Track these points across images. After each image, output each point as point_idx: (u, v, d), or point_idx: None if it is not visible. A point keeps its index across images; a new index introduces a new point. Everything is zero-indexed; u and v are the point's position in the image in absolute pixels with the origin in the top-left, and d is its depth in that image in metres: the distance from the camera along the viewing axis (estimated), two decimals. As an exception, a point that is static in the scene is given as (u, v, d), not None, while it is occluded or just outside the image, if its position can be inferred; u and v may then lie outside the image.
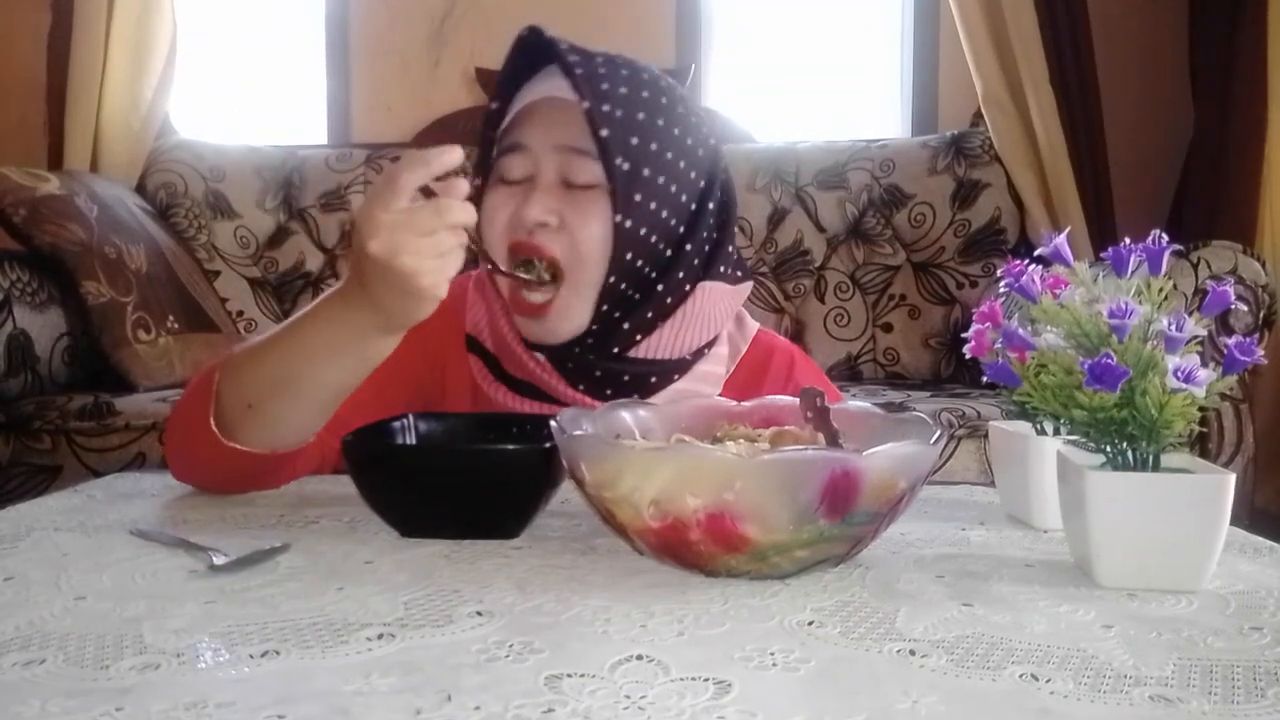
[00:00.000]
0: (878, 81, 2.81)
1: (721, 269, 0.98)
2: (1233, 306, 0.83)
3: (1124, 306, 0.62)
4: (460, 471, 0.73)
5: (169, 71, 2.58)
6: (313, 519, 0.78)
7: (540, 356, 0.96)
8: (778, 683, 0.47)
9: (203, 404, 0.84)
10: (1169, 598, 0.60)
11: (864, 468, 0.59)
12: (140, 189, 2.46)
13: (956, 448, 1.75)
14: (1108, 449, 0.65)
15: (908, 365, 2.36)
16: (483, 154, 0.99)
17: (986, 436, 1.60)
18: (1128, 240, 0.66)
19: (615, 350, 0.96)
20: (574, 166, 0.92)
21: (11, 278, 1.92)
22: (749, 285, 1.02)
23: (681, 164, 0.94)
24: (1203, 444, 1.78)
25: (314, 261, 2.48)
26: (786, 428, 0.75)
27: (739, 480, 0.58)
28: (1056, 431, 0.76)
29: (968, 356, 0.77)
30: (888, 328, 2.38)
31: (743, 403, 0.81)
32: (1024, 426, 0.79)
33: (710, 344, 1.02)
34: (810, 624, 0.55)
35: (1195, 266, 1.78)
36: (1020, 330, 0.69)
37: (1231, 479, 0.61)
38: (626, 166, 0.90)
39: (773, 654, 0.50)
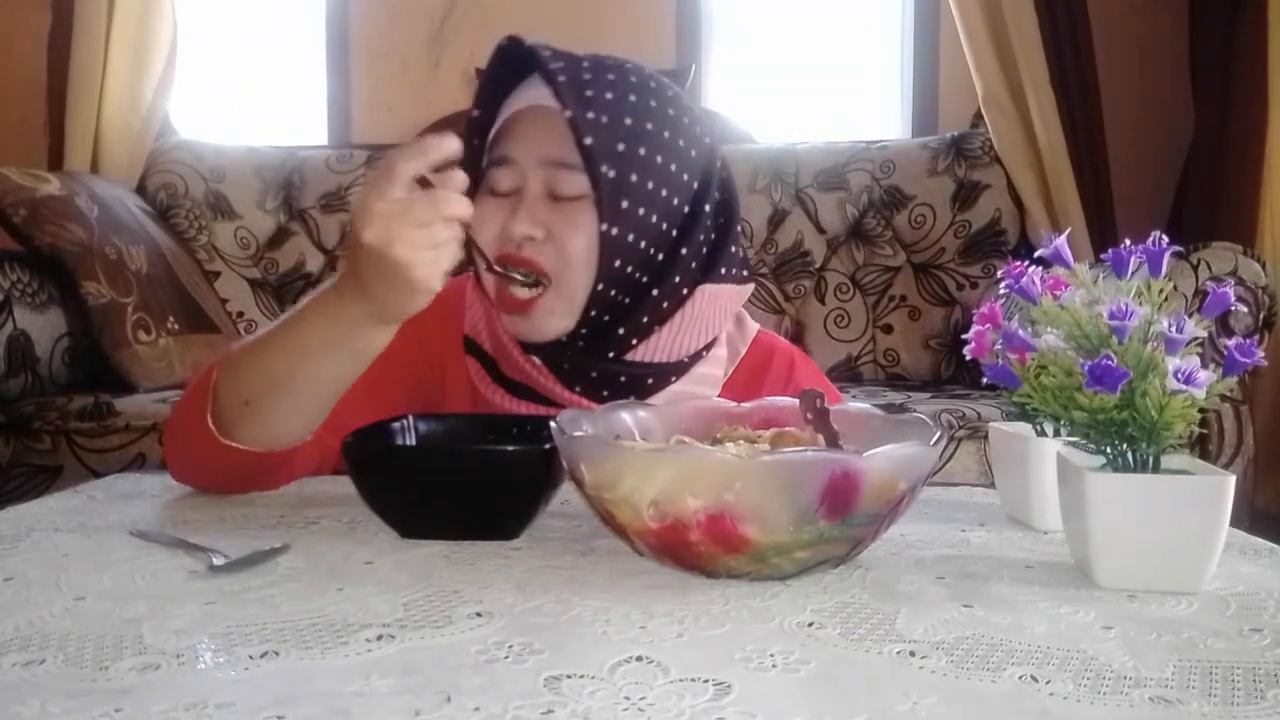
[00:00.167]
0: (878, 82, 2.81)
1: (723, 270, 0.97)
2: (1233, 308, 0.83)
3: (1124, 308, 0.62)
4: (460, 472, 0.73)
5: (169, 72, 2.58)
6: (312, 520, 0.78)
7: (536, 359, 0.95)
8: (777, 684, 0.47)
9: (200, 403, 0.84)
10: (1169, 599, 0.60)
11: (864, 469, 0.59)
12: (140, 190, 2.46)
13: (957, 449, 1.75)
14: (1108, 450, 0.65)
15: (908, 366, 2.36)
16: (467, 160, 0.98)
17: (986, 438, 1.60)
18: (1128, 241, 0.66)
19: (610, 354, 0.95)
20: (559, 180, 0.92)
21: (12, 278, 1.92)
22: (750, 287, 1.01)
23: (672, 167, 0.92)
24: (1203, 445, 1.78)
25: (314, 262, 2.48)
26: (786, 429, 0.75)
27: (739, 481, 0.58)
28: (1056, 433, 0.76)
29: (968, 358, 0.77)
30: (888, 329, 2.38)
31: (743, 404, 0.81)
32: (1024, 428, 0.79)
33: (709, 346, 1.01)
34: (810, 625, 0.55)
35: (1195, 268, 1.77)
36: (1020, 331, 0.69)
37: (1231, 480, 0.61)
38: (612, 174, 0.89)
39: (773, 655, 0.50)
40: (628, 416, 0.77)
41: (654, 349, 0.96)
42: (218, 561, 0.64)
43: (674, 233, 0.94)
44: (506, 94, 0.97)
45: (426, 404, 1.00)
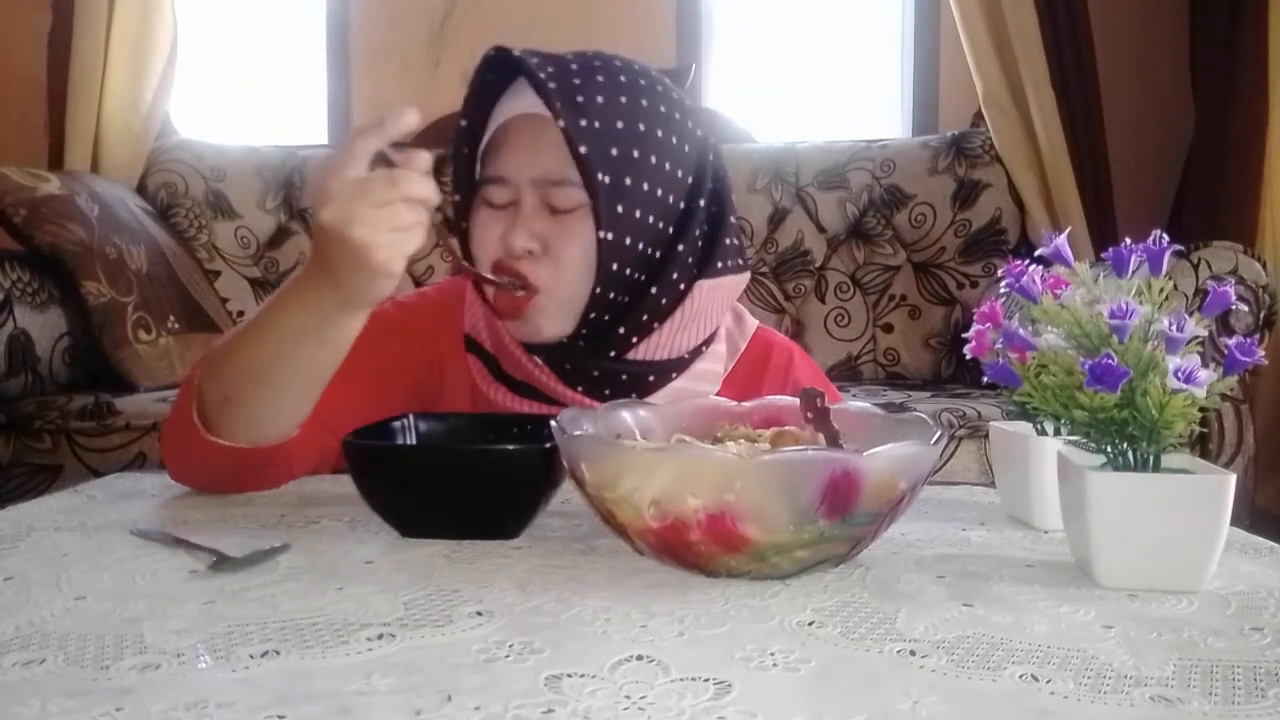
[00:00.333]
0: (878, 82, 2.81)
1: (719, 264, 0.96)
2: (1233, 307, 0.83)
3: (1125, 307, 0.62)
4: (460, 471, 0.73)
5: (169, 72, 2.58)
6: (313, 519, 0.78)
7: (538, 359, 0.95)
8: (778, 683, 0.47)
9: (186, 401, 0.85)
10: (1169, 598, 0.60)
11: (864, 468, 0.59)
12: (141, 189, 2.46)
13: (957, 448, 1.75)
14: (1108, 449, 0.65)
15: (908, 365, 2.35)
16: (456, 169, 0.98)
17: (987, 437, 1.60)
18: (1128, 240, 0.66)
19: (611, 353, 0.95)
20: (554, 195, 0.91)
21: (12, 278, 1.92)
22: (746, 276, 1.01)
23: (666, 166, 0.92)
24: (1203, 444, 1.78)
25: (314, 262, 2.48)
26: (787, 428, 0.75)
27: (739, 481, 0.58)
28: (1057, 432, 0.76)
29: (968, 357, 0.77)
30: (888, 328, 2.38)
31: (743, 403, 0.81)
32: (1024, 427, 0.79)
33: (708, 341, 1.01)
34: (810, 624, 0.55)
35: (1196, 267, 1.77)
36: (1021, 330, 0.69)
37: (1232, 479, 0.61)
38: (608, 180, 0.89)
39: (773, 654, 0.50)
40: (628, 416, 0.77)
41: (655, 347, 0.96)
42: (218, 561, 0.64)
43: (670, 230, 0.94)
44: (494, 98, 0.97)
45: (425, 403, 1.00)
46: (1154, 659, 0.50)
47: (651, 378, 0.97)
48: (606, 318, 0.94)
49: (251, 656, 0.49)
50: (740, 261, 0.99)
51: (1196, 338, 0.62)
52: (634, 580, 0.62)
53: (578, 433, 0.66)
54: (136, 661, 0.48)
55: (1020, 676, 0.48)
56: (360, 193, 0.73)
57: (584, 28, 2.56)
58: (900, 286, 2.39)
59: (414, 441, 0.83)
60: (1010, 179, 2.40)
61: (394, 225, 0.74)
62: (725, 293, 0.98)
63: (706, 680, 0.46)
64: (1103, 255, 0.67)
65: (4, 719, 0.42)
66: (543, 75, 0.89)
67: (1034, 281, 0.70)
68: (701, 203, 0.95)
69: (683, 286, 0.95)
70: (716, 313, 0.99)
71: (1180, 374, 0.60)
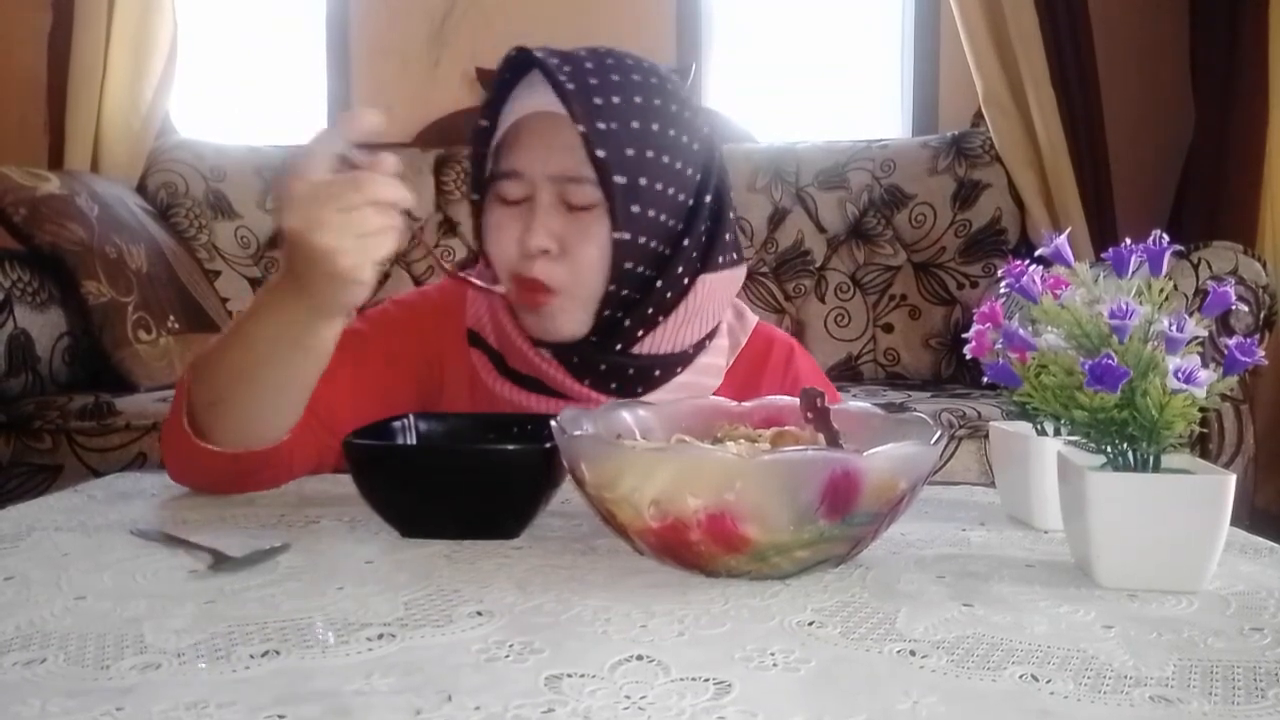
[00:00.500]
0: (878, 81, 2.81)
1: (720, 259, 0.98)
2: (1233, 307, 0.83)
3: (1125, 307, 0.62)
4: (460, 471, 0.73)
5: (169, 71, 2.58)
6: (313, 519, 0.78)
7: (545, 352, 0.96)
8: (778, 683, 0.47)
9: (179, 403, 0.85)
10: (1169, 598, 0.60)
11: (864, 468, 0.59)
12: (141, 189, 2.46)
13: (957, 448, 1.75)
14: (1108, 449, 0.65)
15: (908, 365, 2.35)
16: (475, 170, 0.98)
17: (987, 437, 1.60)
18: (1128, 240, 0.66)
19: (618, 347, 0.96)
20: (570, 192, 0.91)
21: (12, 277, 1.92)
22: (744, 269, 1.02)
23: (678, 165, 0.93)
24: (1203, 445, 1.78)
25: (314, 261, 2.48)
26: (787, 428, 0.75)
27: (739, 481, 0.58)
28: (1057, 432, 0.76)
29: (968, 357, 0.77)
30: (888, 328, 2.38)
31: (743, 403, 0.81)
32: (1024, 427, 0.79)
33: (711, 335, 1.02)
34: (810, 624, 0.55)
35: (1196, 267, 1.77)
36: (1021, 331, 0.69)
37: (1232, 479, 0.61)
38: (623, 181, 0.89)
39: (773, 654, 0.50)
40: (628, 415, 0.77)
41: (660, 340, 0.97)
42: (218, 561, 0.64)
43: (679, 227, 0.95)
44: (504, 93, 0.97)
45: (425, 400, 1.01)
46: (1154, 659, 0.50)
47: (657, 371, 0.97)
48: (618, 314, 0.95)
49: (252, 656, 0.49)
50: (736, 255, 1.00)
51: (1196, 338, 0.62)
52: (634, 580, 0.62)
53: (578, 433, 0.66)
54: (137, 661, 0.48)
55: (1020, 676, 0.48)
56: (323, 197, 0.71)
57: (584, 27, 2.56)
58: (900, 286, 2.39)
59: (414, 441, 0.83)
60: (1010, 179, 2.40)
61: (360, 231, 0.71)
62: (726, 286, 0.99)
63: (706, 680, 0.46)
64: (1103, 255, 0.67)
65: (4, 718, 0.42)
66: (562, 76, 0.89)
67: (1034, 281, 0.70)
68: (708, 199, 0.96)
69: (687, 281, 0.96)
70: (719, 306, 1.00)
71: (1180, 374, 0.60)
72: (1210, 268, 1.77)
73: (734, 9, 2.82)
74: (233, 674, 0.47)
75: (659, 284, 0.94)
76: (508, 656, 0.49)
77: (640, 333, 0.96)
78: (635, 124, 0.90)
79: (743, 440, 0.72)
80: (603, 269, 0.92)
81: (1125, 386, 0.61)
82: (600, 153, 0.88)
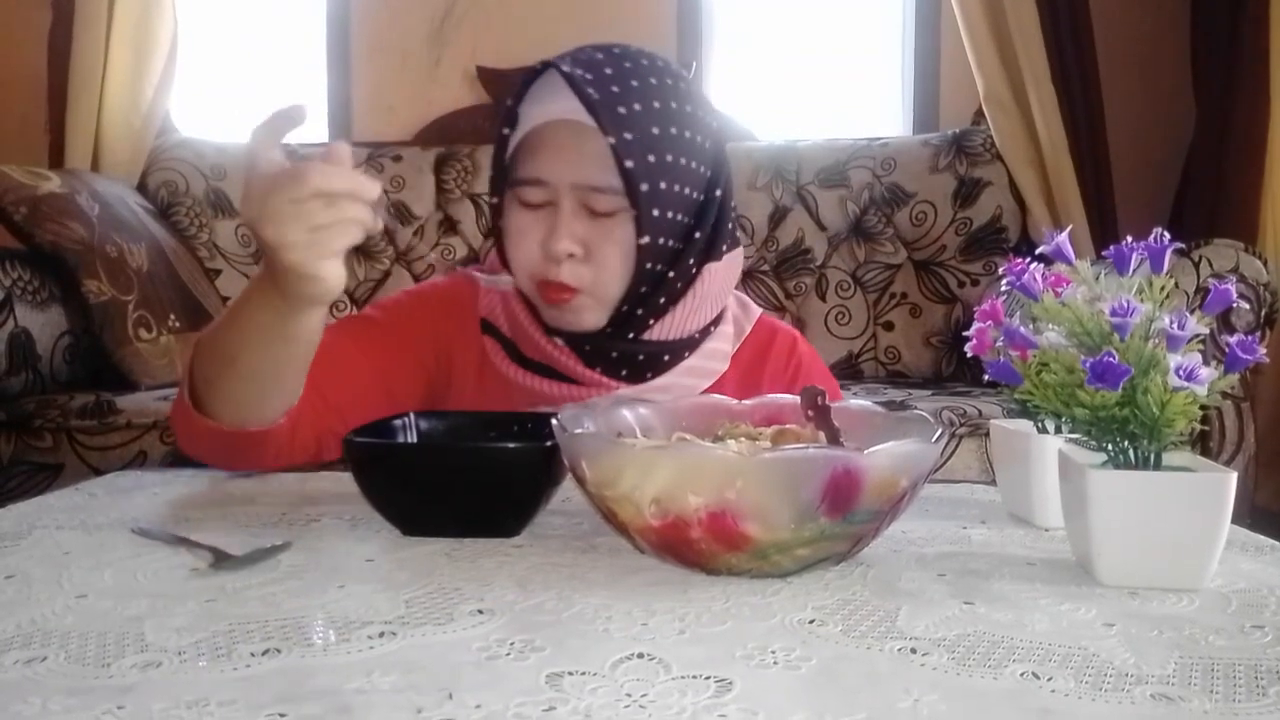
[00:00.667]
0: (879, 79, 2.81)
1: (723, 247, 1.01)
2: (1234, 305, 0.83)
3: (1126, 305, 0.61)
4: (461, 470, 0.73)
5: (170, 70, 2.58)
6: (314, 517, 0.78)
7: (558, 340, 0.98)
8: (779, 681, 0.47)
9: (183, 378, 0.89)
10: (1170, 596, 0.60)
11: (865, 466, 0.59)
12: (141, 187, 2.46)
13: (958, 446, 1.74)
14: (1109, 447, 0.65)
15: (909, 364, 2.35)
16: (497, 176, 0.99)
17: (988, 435, 1.60)
18: (1129, 238, 0.66)
19: (630, 335, 0.99)
20: (594, 199, 0.93)
21: (13, 276, 1.92)
22: (741, 251, 1.05)
23: (693, 164, 0.95)
24: (1204, 442, 1.78)
25: (315, 260, 2.48)
26: (788, 426, 0.75)
27: (740, 479, 0.58)
28: (1058, 430, 0.76)
29: (969, 355, 0.77)
30: (889, 326, 2.38)
31: (744, 401, 0.81)
32: (1025, 425, 0.79)
33: (716, 322, 1.05)
34: (811, 622, 0.55)
35: (1197, 264, 1.77)
36: (1022, 328, 0.69)
37: (1233, 477, 0.61)
38: (646, 187, 0.91)
39: (774, 652, 0.50)
40: (629, 413, 0.77)
41: (669, 328, 0.99)
42: (219, 559, 0.64)
43: (691, 222, 0.97)
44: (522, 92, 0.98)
45: (433, 389, 1.03)
46: (1155, 657, 0.50)
47: (666, 357, 1.00)
48: (631, 306, 0.97)
49: (252, 654, 0.49)
50: (735, 239, 1.04)
51: (1198, 335, 0.62)
52: (635, 578, 0.63)
53: (578, 431, 0.66)
54: (138, 659, 0.48)
55: (1021, 674, 0.48)
56: (270, 190, 0.71)
57: (584, 25, 2.55)
58: (901, 285, 2.39)
59: (415, 439, 0.83)
60: (1011, 177, 2.40)
61: (311, 224, 0.71)
62: (730, 272, 1.02)
63: (707, 678, 0.46)
64: (1104, 253, 0.66)
65: (5, 717, 0.42)
66: (589, 89, 0.90)
67: (1035, 279, 0.70)
68: (718, 194, 0.99)
69: (694, 270, 0.98)
70: (723, 292, 1.03)
71: (1181, 372, 0.60)
72: (1211, 265, 1.77)
73: (734, 7, 2.82)
74: (234, 672, 0.47)
75: (670, 275, 0.97)
76: (509, 655, 0.49)
77: (652, 320, 0.98)
78: (655, 130, 0.92)
79: (743, 438, 0.72)
80: (626, 271, 0.95)
81: (1126, 384, 0.61)
82: (629, 163, 0.90)
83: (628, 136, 0.90)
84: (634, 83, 0.93)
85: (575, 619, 0.55)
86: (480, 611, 0.56)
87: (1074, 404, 0.64)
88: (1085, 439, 0.66)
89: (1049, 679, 0.47)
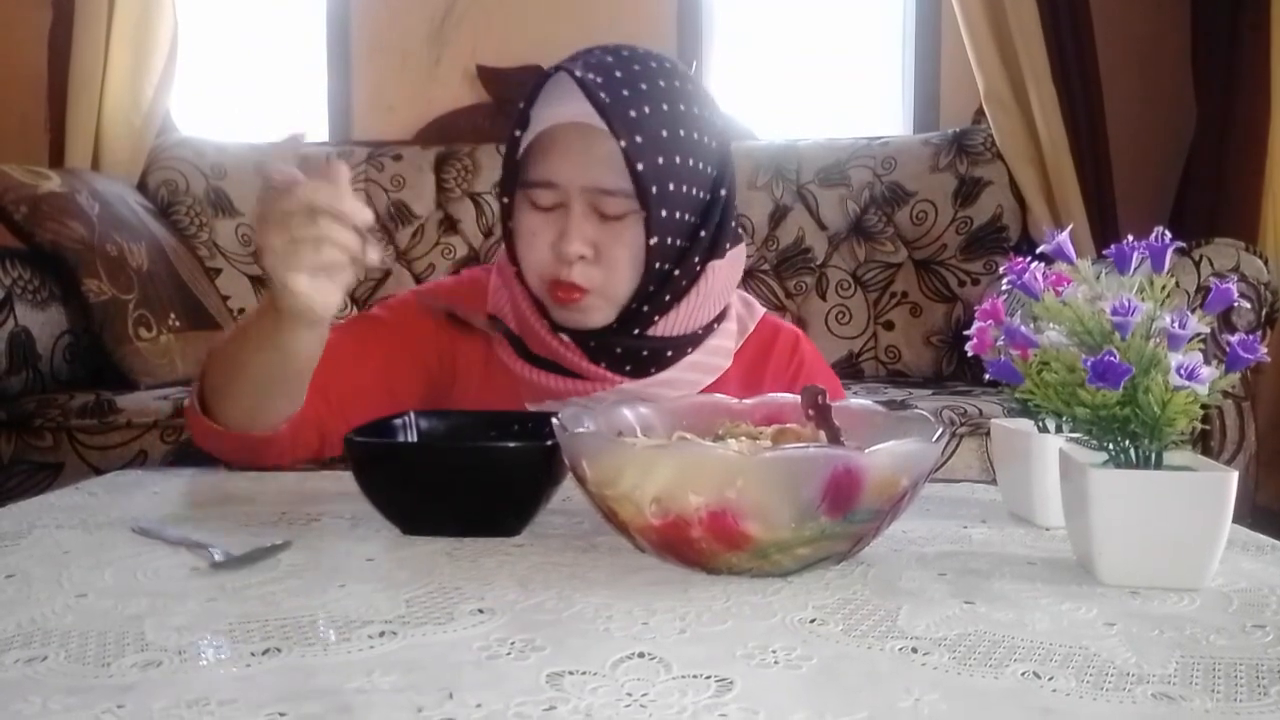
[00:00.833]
0: (879, 79, 2.81)
1: (727, 245, 1.02)
2: (1235, 304, 0.83)
3: (1126, 304, 0.61)
4: (462, 469, 0.73)
5: (170, 69, 2.58)
6: (314, 516, 0.78)
7: (565, 337, 1.00)
8: (779, 680, 0.47)
9: (194, 380, 0.93)
10: (1171, 595, 0.60)
11: (866, 465, 0.59)
12: (141, 186, 2.45)
13: (958, 445, 1.74)
14: (1110, 446, 0.65)
15: (909, 363, 2.35)
16: (507, 176, 1.00)
17: (988, 434, 1.60)
18: (1130, 237, 0.66)
19: (635, 331, 1.00)
20: (604, 202, 0.95)
21: (13, 275, 1.92)
22: (743, 248, 1.06)
23: (700, 165, 0.96)
24: (1205, 442, 1.78)
25: (315, 259, 2.48)
26: (788, 425, 0.75)
27: (741, 478, 0.58)
28: (1059, 429, 0.76)
29: (970, 354, 0.77)
30: (889, 325, 2.37)
31: (744, 400, 0.81)
32: (1026, 424, 0.79)
33: (720, 318, 1.06)
34: (812, 622, 0.55)
35: (1198, 264, 1.77)
36: (1022, 328, 0.69)
37: (1234, 477, 0.61)
38: (655, 190, 0.92)
39: (774, 651, 0.50)
40: (629, 413, 0.77)
41: (673, 324, 1.01)
42: (219, 558, 0.64)
43: (698, 221, 0.98)
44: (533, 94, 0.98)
45: (437, 386, 1.05)
46: (1156, 656, 0.50)
47: (669, 352, 1.01)
48: (638, 304, 0.99)
49: (253, 653, 0.49)
50: (737, 236, 1.05)
51: (1198, 335, 0.62)
52: (635, 578, 0.62)
53: (579, 430, 0.66)
54: (138, 659, 0.48)
55: (1022, 674, 0.48)
56: (266, 202, 0.76)
57: (584, 25, 2.55)
58: (901, 284, 2.39)
59: (415, 439, 0.83)
60: (1011, 176, 2.39)
61: (290, 234, 0.75)
62: (733, 268, 1.04)
63: (708, 678, 0.46)
64: (1104, 252, 0.66)
65: (6, 716, 0.42)
66: (601, 93, 0.91)
67: (1036, 278, 0.70)
68: (723, 192, 1.00)
69: (699, 268, 1.00)
70: (727, 289, 1.05)
71: (1182, 371, 0.60)
72: (1212, 264, 1.77)
73: (735, 6, 2.81)
74: (234, 671, 0.47)
75: (676, 273, 0.98)
76: (509, 654, 0.49)
77: (657, 317, 1.00)
78: (665, 132, 0.93)
79: (744, 437, 0.72)
80: (635, 271, 0.96)
81: (1127, 383, 0.61)
82: (639, 166, 0.91)
83: (638, 139, 0.91)
84: (643, 85, 0.94)
85: (576, 618, 0.55)
86: (481, 611, 0.56)
87: (1075, 403, 0.64)
88: (1086, 438, 0.66)
89: (1050, 678, 0.47)
